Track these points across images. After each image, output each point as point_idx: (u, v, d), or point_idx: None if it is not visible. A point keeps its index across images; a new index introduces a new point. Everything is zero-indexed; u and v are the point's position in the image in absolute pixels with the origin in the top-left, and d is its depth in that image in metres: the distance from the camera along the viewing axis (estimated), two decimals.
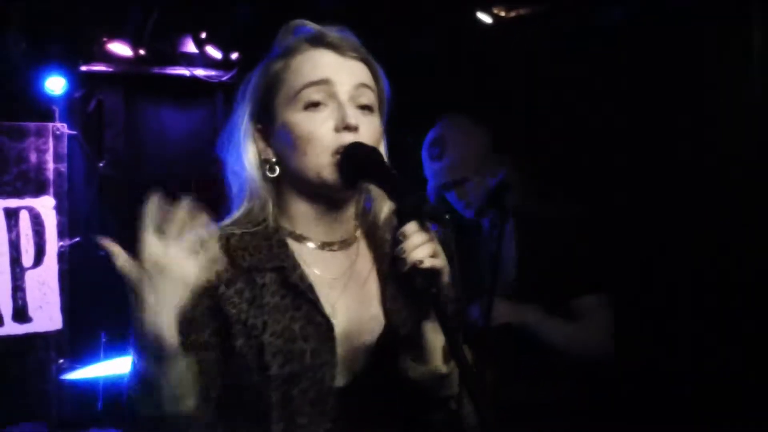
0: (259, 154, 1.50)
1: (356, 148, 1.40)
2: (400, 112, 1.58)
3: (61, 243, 3.73)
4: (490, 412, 1.18)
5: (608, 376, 2.53)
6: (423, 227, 1.29)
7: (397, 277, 1.36)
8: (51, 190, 3.72)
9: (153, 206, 1.25)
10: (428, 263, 1.28)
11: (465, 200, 2.69)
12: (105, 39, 3.75)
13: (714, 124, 2.97)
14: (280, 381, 1.39)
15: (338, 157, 1.40)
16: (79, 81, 3.78)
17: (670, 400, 2.95)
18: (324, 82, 1.44)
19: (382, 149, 1.50)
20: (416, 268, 1.28)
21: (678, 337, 2.96)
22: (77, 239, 3.77)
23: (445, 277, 1.31)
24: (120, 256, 1.24)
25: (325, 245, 1.50)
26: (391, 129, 1.56)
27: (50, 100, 3.72)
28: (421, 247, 1.28)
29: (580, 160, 3.26)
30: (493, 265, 2.41)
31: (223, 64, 4.01)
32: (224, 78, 4.05)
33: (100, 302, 3.69)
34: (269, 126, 1.49)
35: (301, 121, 1.43)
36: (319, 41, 1.48)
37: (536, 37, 3.45)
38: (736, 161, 2.87)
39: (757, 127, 2.84)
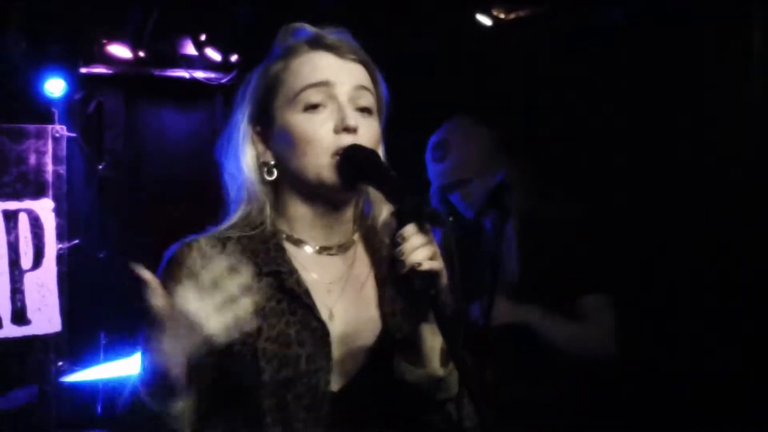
0: (258, 157, 1.50)
1: (355, 149, 1.40)
2: (400, 112, 1.58)
3: (60, 245, 3.73)
4: (490, 412, 1.18)
5: (608, 376, 2.53)
6: (422, 229, 1.29)
7: (395, 280, 1.35)
8: (50, 192, 3.71)
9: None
10: (427, 265, 1.27)
11: (468, 201, 2.71)
12: (105, 41, 3.75)
13: (714, 124, 2.97)
14: (275, 386, 1.38)
15: (337, 158, 1.40)
16: (78, 83, 3.78)
17: (670, 400, 2.95)
18: (323, 84, 1.44)
19: (381, 152, 1.50)
20: (415, 270, 1.27)
21: (678, 337, 2.96)
22: (76, 241, 3.76)
23: (444, 279, 1.30)
24: (156, 291, 1.21)
25: (323, 249, 1.49)
26: (391, 130, 1.55)
27: (50, 101, 3.72)
28: (419, 249, 1.27)
29: (580, 160, 3.26)
30: (493, 265, 2.42)
31: (223, 66, 4.01)
32: (224, 80, 4.05)
33: (100, 304, 3.70)
34: (268, 128, 1.49)
35: (301, 122, 1.43)
36: (318, 43, 1.48)
37: (536, 38, 3.45)
38: (736, 161, 2.87)
39: (757, 127, 2.84)
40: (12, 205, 3.63)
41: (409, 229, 1.29)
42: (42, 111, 3.74)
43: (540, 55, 3.45)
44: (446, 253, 1.31)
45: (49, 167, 3.72)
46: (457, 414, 1.38)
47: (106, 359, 3.50)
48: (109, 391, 3.42)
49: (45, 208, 3.70)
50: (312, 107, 1.43)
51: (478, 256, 2.60)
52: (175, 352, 1.22)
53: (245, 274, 1.21)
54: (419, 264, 1.27)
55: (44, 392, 3.63)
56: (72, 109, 3.86)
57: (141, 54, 3.80)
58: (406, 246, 1.28)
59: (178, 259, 1.42)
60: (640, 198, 3.12)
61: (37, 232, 3.67)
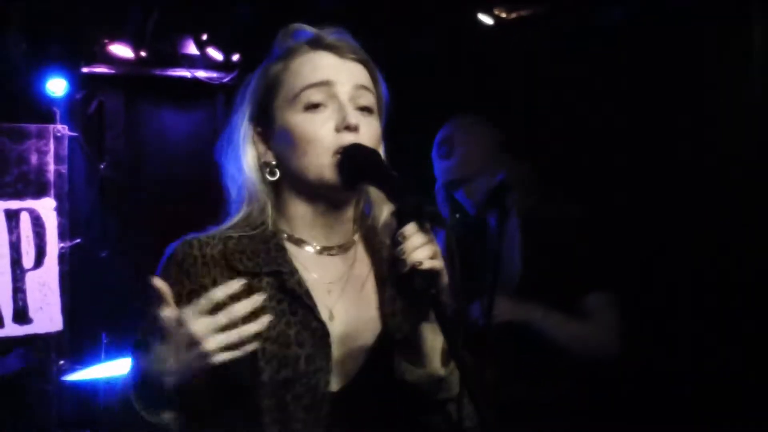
0: (259, 157, 1.50)
1: (356, 149, 1.40)
2: (400, 112, 1.58)
3: (62, 244, 3.73)
4: (490, 412, 1.18)
5: (608, 376, 2.53)
6: (422, 228, 1.28)
7: (396, 280, 1.35)
8: (52, 191, 3.72)
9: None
10: (428, 264, 1.27)
11: (472, 199, 2.72)
12: (106, 41, 3.75)
13: (714, 124, 2.98)
14: (274, 386, 1.38)
15: (338, 157, 1.40)
16: (80, 82, 3.79)
17: (670, 400, 2.95)
18: (324, 84, 1.44)
19: (382, 152, 1.50)
20: (416, 270, 1.27)
21: (678, 337, 2.96)
22: (78, 240, 3.77)
23: (445, 279, 1.30)
24: (169, 305, 1.25)
25: (323, 249, 1.50)
26: (391, 129, 1.56)
27: (51, 101, 3.73)
28: (420, 249, 1.27)
29: (580, 160, 3.26)
30: (494, 264, 2.42)
31: (224, 66, 4.02)
32: (225, 80, 4.05)
33: (101, 303, 3.71)
34: (268, 128, 1.49)
35: (302, 122, 1.43)
36: (318, 43, 1.48)
37: (536, 38, 3.46)
38: (736, 161, 2.87)
39: (757, 127, 2.84)
40: (14, 204, 3.64)
41: (410, 229, 1.28)
42: (43, 111, 3.75)
43: (540, 55, 3.45)
44: (447, 252, 1.32)
45: (51, 167, 3.73)
46: (457, 414, 1.38)
47: (107, 358, 3.50)
48: (111, 390, 3.42)
49: (46, 207, 3.71)
50: (313, 107, 1.43)
51: (481, 255, 2.61)
52: (170, 363, 1.25)
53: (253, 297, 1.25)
54: (420, 263, 1.27)
55: (45, 391, 3.64)
56: (73, 108, 3.87)
57: (142, 54, 3.81)
58: (407, 245, 1.28)
59: (178, 257, 1.43)
60: (640, 198, 3.12)
61: (39, 231, 3.68)
